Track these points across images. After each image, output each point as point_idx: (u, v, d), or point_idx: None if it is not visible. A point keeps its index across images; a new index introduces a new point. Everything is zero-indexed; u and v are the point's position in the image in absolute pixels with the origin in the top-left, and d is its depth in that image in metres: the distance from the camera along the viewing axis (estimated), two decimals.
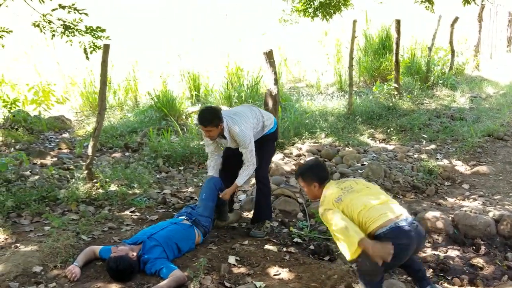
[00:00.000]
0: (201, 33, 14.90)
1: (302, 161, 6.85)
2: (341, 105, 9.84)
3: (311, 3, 9.23)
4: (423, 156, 7.22)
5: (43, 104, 8.68)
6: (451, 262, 4.14)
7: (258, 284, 3.47)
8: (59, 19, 5.73)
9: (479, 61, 15.85)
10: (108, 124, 8.51)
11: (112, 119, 9.21)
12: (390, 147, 7.71)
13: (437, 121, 9.33)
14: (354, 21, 9.16)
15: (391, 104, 9.91)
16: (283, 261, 3.98)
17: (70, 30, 5.71)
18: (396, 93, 10.45)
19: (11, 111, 8.01)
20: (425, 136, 8.39)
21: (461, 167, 7.08)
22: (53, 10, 5.52)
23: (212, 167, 4.60)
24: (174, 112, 8.94)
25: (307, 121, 8.50)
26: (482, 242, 4.51)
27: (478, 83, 13.31)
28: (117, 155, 7.03)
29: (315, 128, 8.18)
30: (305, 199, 5.43)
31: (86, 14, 5.56)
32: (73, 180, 5.46)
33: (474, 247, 4.50)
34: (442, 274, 3.89)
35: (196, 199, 5.32)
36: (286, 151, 7.26)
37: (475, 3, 8.26)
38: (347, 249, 2.97)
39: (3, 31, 5.82)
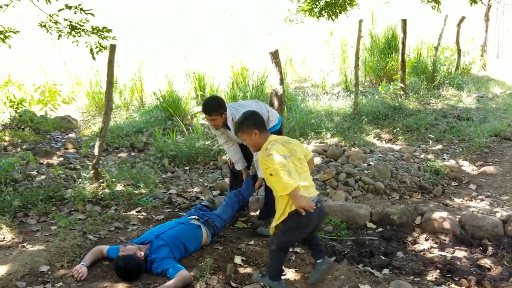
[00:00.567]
0: (207, 33, 14.91)
1: None
2: (346, 105, 9.82)
3: (317, 3, 9.22)
4: (430, 156, 7.19)
5: (49, 104, 8.73)
6: (458, 263, 4.12)
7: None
8: (65, 20, 5.75)
9: (486, 60, 15.77)
10: (114, 124, 8.53)
11: (118, 119, 9.24)
12: (396, 147, 7.68)
13: (444, 121, 9.28)
14: (360, 21, 9.13)
15: (397, 104, 9.87)
16: (289, 261, 3.97)
17: (76, 31, 5.73)
18: (402, 93, 10.41)
19: (18, 111, 8.06)
20: (432, 136, 8.35)
21: (468, 167, 7.04)
22: (59, 10, 5.54)
23: (237, 161, 4.69)
24: (180, 112, 8.95)
25: (312, 121, 8.49)
26: (489, 243, 4.48)
27: (484, 83, 13.24)
28: (123, 155, 7.05)
29: (320, 128, 8.16)
30: None
31: (93, 15, 5.58)
32: (80, 180, 5.47)
33: (481, 248, 4.47)
34: (449, 275, 3.87)
35: (202, 199, 5.32)
36: None
37: (482, 2, 8.21)
38: (280, 189, 3.16)
39: (10, 31, 5.85)
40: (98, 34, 5.76)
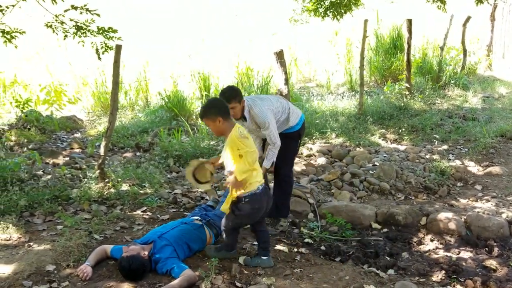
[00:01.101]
0: (212, 33, 14.93)
1: (312, 162, 6.84)
2: (351, 105, 9.80)
3: (322, 2, 9.21)
4: (435, 156, 7.17)
5: (55, 104, 8.76)
6: (464, 263, 4.11)
7: (268, 283, 3.47)
8: (71, 20, 5.78)
9: (492, 60, 15.69)
10: (119, 124, 8.56)
11: (123, 119, 9.26)
12: (401, 148, 7.66)
13: (449, 121, 9.25)
14: (365, 21, 9.11)
15: (402, 104, 9.84)
16: (294, 261, 3.97)
17: (82, 31, 5.76)
18: (407, 93, 10.38)
19: (24, 111, 8.10)
20: (437, 136, 8.32)
21: (473, 167, 7.02)
22: (65, 11, 5.56)
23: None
24: (185, 112, 8.97)
25: (317, 121, 8.48)
26: (495, 244, 4.46)
27: (490, 83, 13.18)
28: (128, 155, 7.07)
29: (325, 128, 8.16)
30: (315, 200, 5.42)
31: (98, 15, 5.60)
32: (85, 179, 5.50)
33: (487, 249, 4.45)
34: (454, 276, 3.86)
35: (206, 199, 5.33)
36: None
37: (487, 2, 8.18)
38: (240, 172, 3.53)
39: (16, 31, 5.88)
40: (104, 34, 5.79)
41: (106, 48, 5.92)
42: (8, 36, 5.83)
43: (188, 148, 6.92)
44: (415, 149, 7.51)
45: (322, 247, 4.40)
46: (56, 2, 5.57)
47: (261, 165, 4.58)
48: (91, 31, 5.79)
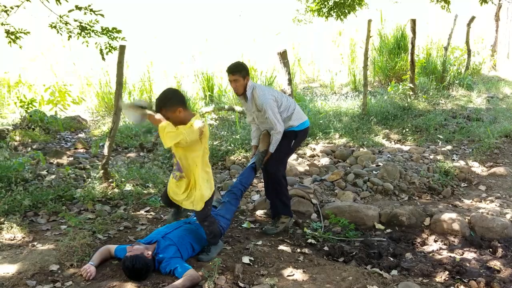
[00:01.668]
0: (215, 33, 14.94)
1: (316, 162, 6.84)
2: (355, 105, 9.79)
3: (326, 2, 9.21)
4: (439, 157, 7.15)
5: (59, 104, 8.79)
6: (468, 264, 4.09)
7: (271, 283, 3.47)
8: (75, 20, 5.81)
9: (496, 61, 15.63)
10: (123, 124, 8.58)
11: (127, 120, 9.28)
12: (405, 148, 7.65)
13: (453, 121, 9.22)
14: (369, 21, 9.10)
15: (406, 104, 9.82)
16: (297, 262, 3.97)
17: (86, 31, 5.79)
18: (411, 93, 10.36)
19: (28, 111, 8.13)
20: (441, 136, 8.30)
21: (477, 168, 7.00)
22: (69, 11, 5.60)
23: (254, 138, 4.83)
24: None
25: (321, 121, 8.47)
26: (499, 245, 4.45)
27: (495, 83, 13.13)
28: (132, 155, 7.09)
29: (329, 129, 8.15)
30: (319, 200, 5.41)
31: (102, 15, 5.63)
32: (89, 179, 5.51)
33: (491, 250, 4.44)
34: (458, 277, 3.84)
35: None
36: (300, 151, 7.24)
37: (492, 2, 8.16)
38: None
39: (21, 32, 5.92)
40: (108, 35, 5.82)
41: (110, 48, 5.95)
42: (13, 37, 5.87)
43: None
44: (419, 149, 7.49)
45: (325, 248, 4.40)
46: (60, 3, 5.60)
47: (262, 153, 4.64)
48: (95, 31, 5.82)
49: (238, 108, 9.04)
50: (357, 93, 11.19)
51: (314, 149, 7.32)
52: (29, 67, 11.78)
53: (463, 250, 4.44)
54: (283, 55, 7.61)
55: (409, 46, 10.55)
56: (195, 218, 4.25)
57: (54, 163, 6.48)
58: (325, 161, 6.80)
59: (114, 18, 6.92)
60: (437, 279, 3.82)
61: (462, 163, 7.08)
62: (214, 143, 7.20)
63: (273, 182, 4.61)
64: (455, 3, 9.26)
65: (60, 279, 3.46)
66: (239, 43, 13.46)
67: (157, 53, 12.85)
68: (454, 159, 7.26)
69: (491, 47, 15.85)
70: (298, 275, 3.69)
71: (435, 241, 4.66)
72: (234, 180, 5.77)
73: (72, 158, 6.70)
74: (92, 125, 9.18)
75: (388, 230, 4.90)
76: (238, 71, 4.31)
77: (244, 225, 4.76)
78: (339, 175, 6.08)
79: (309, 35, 14.74)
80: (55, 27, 5.85)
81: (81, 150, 7.24)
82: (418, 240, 4.70)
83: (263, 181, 4.95)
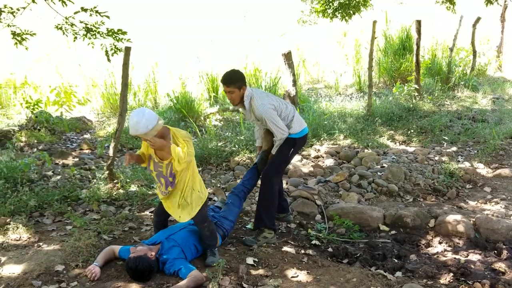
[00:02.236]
0: (220, 35, 14.97)
1: (320, 163, 6.83)
2: (360, 106, 9.78)
3: (330, 4, 9.22)
4: (444, 158, 7.13)
5: (65, 105, 8.84)
6: (472, 266, 4.08)
7: (275, 284, 3.47)
8: (81, 22, 5.84)
9: (502, 62, 15.56)
10: (128, 125, 8.60)
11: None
12: (410, 149, 7.63)
13: (459, 123, 9.19)
14: (374, 22, 9.09)
15: (411, 106, 9.80)
16: (301, 263, 3.97)
17: (92, 33, 5.82)
18: (416, 94, 10.33)
19: (34, 112, 8.18)
20: (446, 138, 8.27)
21: (482, 169, 6.97)
22: (75, 13, 5.63)
23: (258, 138, 4.76)
24: (193, 113, 9.00)
25: (325, 122, 8.47)
26: (504, 247, 4.43)
27: (500, 84, 13.06)
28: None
29: (333, 130, 8.14)
30: (323, 201, 5.41)
31: (108, 17, 5.65)
32: (95, 180, 5.54)
33: (495, 252, 4.42)
34: (463, 279, 3.83)
35: (214, 200, 5.35)
36: (304, 152, 7.24)
37: (497, 3, 8.14)
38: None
39: (27, 33, 5.95)
40: (113, 36, 5.84)
41: (116, 50, 5.97)
42: (19, 38, 5.90)
43: (196, 149, 6.93)
44: (424, 150, 7.47)
45: (330, 249, 4.40)
46: (66, 4, 5.64)
47: (264, 152, 4.61)
48: (100, 33, 5.84)
49: (242, 109, 9.04)
50: (362, 94, 11.17)
51: (319, 150, 7.32)
52: (35, 68, 11.85)
53: (468, 252, 4.43)
54: (288, 56, 7.63)
55: (414, 47, 10.53)
56: None
57: (60, 163, 6.51)
58: (329, 162, 6.80)
59: (119, 20, 6.95)
60: (442, 281, 3.81)
61: (467, 164, 7.06)
62: (219, 144, 7.21)
63: (264, 188, 4.42)
64: (461, 4, 9.24)
65: (65, 279, 3.48)
66: (243, 44, 13.47)
67: (162, 54, 12.89)
68: (459, 161, 7.23)
69: (497, 48, 15.78)
70: (302, 276, 3.69)
71: (440, 242, 4.65)
72: (239, 181, 5.78)
73: (77, 159, 6.73)
74: (97, 126, 9.22)
75: (393, 232, 4.89)
76: (233, 82, 4.15)
77: (248, 226, 4.76)
78: (344, 176, 6.08)
79: (314, 36, 14.73)
80: (61, 28, 5.89)
81: (87, 151, 7.27)
82: (423, 241, 4.69)
83: None
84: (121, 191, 5.31)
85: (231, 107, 9.48)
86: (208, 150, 6.92)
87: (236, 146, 7.14)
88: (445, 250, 4.50)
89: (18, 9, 5.74)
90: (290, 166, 6.32)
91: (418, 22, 10.27)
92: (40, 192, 5.04)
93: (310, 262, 4.01)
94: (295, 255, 4.13)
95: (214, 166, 6.79)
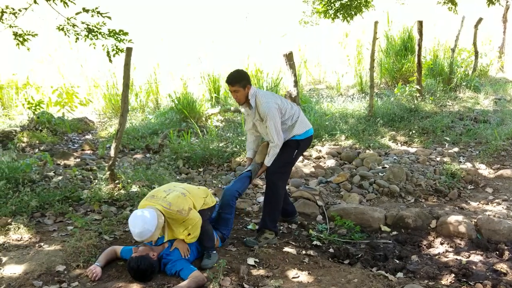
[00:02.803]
0: (222, 35, 14.98)
1: (321, 164, 6.83)
2: (361, 107, 9.77)
3: (332, 4, 9.22)
4: (446, 159, 7.12)
5: (67, 106, 8.86)
6: (474, 267, 4.07)
7: (276, 285, 3.47)
8: (83, 23, 5.85)
9: (504, 62, 15.52)
10: (130, 126, 8.62)
11: (134, 121, 9.32)
12: (412, 150, 7.62)
13: (460, 123, 9.18)
14: (376, 22, 9.09)
15: (413, 106, 9.79)
16: (302, 263, 3.97)
17: (93, 34, 5.83)
18: (418, 95, 10.32)
19: (36, 112, 8.19)
20: (448, 138, 8.26)
21: (484, 170, 6.96)
22: (77, 13, 5.64)
23: (250, 149, 4.69)
24: (194, 114, 9.01)
25: (327, 123, 8.47)
26: (506, 247, 4.42)
27: (502, 85, 13.03)
28: (138, 156, 7.12)
29: (335, 130, 8.14)
30: (324, 202, 5.41)
31: (109, 18, 5.66)
32: (96, 180, 5.54)
33: (497, 252, 4.41)
34: (464, 279, 3.82)
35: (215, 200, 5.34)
36: (305, 153, 7.23)
37: (499, 3, 8.12)
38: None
39: (29, 34, 5.97)
40: (115, 37, 5.85)
41: (117, 50, 5.98)
42: (21, 39, 5.92)
43: (197, 150, 6.95)
44: (426, 151, 7.46)
45: (331, 250, 4.39)
46: (67, 5, 5.64)
47: (258, 165, 4.54)
48: (102, 33, 5.85)
49: (244, 109, 9.04)
50: (363, 94, 11.16)
51: (320, 151, 7.31)
52: (37, 69, 11.87)
53: (469, 252, 4.42)
54: (289, 57, 7.62)
55: (416, 47, 10.52)
56: None
57: (61, 164, 6.52)
58: (331, 163, 6.79)
59: (121, 21, 6.96)
60: (443, 281, 3.80)
61: (469, 165, 7.05)
62: (220, 145, 7.21)
63: (269, 192, 4.43)
64: (462, 4, 9.23)
65: (66, 279, 3.48)
66: (245, 45, 13.48)
67: (164, 55, 12.91)
68: (461, 161, 7.22)
69: (499, 49, 15.74)
70: (303, 277, 3.69)
71: (441, 243, 4.64)
72: None
73: (79, 160, 6.74)
74: (99, 127, 9.23)
75: (394, 233, 4.88)
76: (237, 81, 4.18)
77: (249, 227, 4.76)
78: (345, 177, 6.07)
79: (315, 37, 14.73)
80: (62, 29, 5.90)
81: (88, 152, 7.28)
82: (424, 242, 4.68)
83: None
84: (122, 191, 5.31)
85: (232, 108, 9.49)
86: (209, 151, 6.92)
87: (238, 147, 7.14)
88: (447, 251, 4.49)
89: (20, 10, 5.75)
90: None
91: (420, 23, 10.27)
92: (41, 193, 5.04)
93: (311, 262, 4.01)
94: (296, 255, 4.13)
95: (215, 166, 6.79)
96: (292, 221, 4.93)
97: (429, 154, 7.36)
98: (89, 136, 8.46)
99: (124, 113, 5.38)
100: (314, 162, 6.95)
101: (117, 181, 5.46)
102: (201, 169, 6.66)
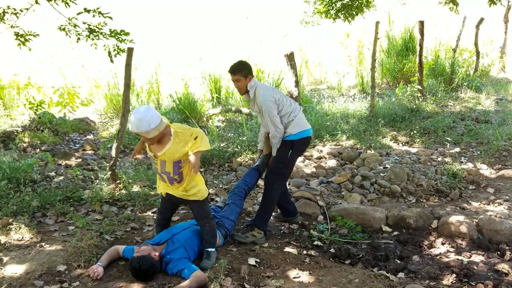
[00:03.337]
0: (223, 36, 15.00)
1: (323, 164, 6.83)
2: (363, 107, 9.76)
3: (333, 4, 9.22)
4: (447, 159, 7.11)
5: (68, 106, 8.86)
6: (475, 267, 4.06)
7: (277, 285, 3.47)
8: (84, 23, 5.86)
9: (505, 62, 15.49)
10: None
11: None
12: (413, 150, 7.61)
13: (462, 123, 9.17)
14: (377, 23, 9.09)
15: (414, 106, 9.78)
16: (303, 264, 3.97)
17: (94, 34, 5.84)
18: (419, 95, 10.31)
19: (37, 112, 8.20)
20: (449, 139, 8.25)
21: (486, 170, 6.95)
22: (78, 14, 5.65)
23: (260, 141, 4.74)
24: (196, 114, 9.01)
25: (328, 123, 8.46)
26: (507, 248, 4.41)
27: (504, 85, 13.01)
28: (139, 156, 7.11)
29: (336, 131, 8.13)
30: (325, 202, 5.41)
31: (111, 18, 5.67)
32: (97, 180, 5.55)
33: (499, 253, 4.41)
34: (465, 280, 3.82)
35: (216, 200, 5.35)
36: (306, 153, 7.23)
37: (501, 3, 8.12)
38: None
39: (30, 34, 5.97)
40: (116, 37, 5.86)
41: (118, 50, 5.99)
42: (22, 39, 5.92)
43: None
44: (427, 151, 7.46)
45: (332, 250, 4.39)
46: (69, 5, 5.65)
47: (265, 156, 4.60)
48: (103, 34, 5.86)
49: (245, 110, 9.05)
50: (364, 95, 11.16)
51: (321, 151, 7.31)
52: (38, 69, 11.89)
53: (471, 253, 4.41)
54: (290, 57, 7.62)
55: (417, 48, 10.51)
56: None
57: (63, 164, 6.53)
58: (332, 163, 6.79)
59: (122, 21, 6.97)
60: (444, 282, 3.80)
61: (470, 165, 7.04)
62: (221, 145, 7.22)
63: (264, 193, 4.48)
64: (464, 4, 9.22)
65: (67, 279, 3.48)
66: (246, 45, 13.48)
67: (165, 55, 12.92)
68: (462, 162, 7.21)
69: (500, 49, 15.72)
70: (304, 277, 3.69)
71: (443, 243, 4.64)
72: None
73: (80, 160, 6.74)
74: (100, 127, 9.24)
75: (395, 233, 4.88)
76: (239, 70, 4.30)
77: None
78: (346, 177, 6.07)
79: (316, 37, 14.73)
80: (64, 29, 5.91)
81: (89, 152, 7.29)
82: (426, 242, 4.68)
83: None
84: (123, 191, 5.31)
85: (233, 108, 9.49)
86: (210, 151, 6.91)
87: (239, 147, 7.14)
88: (448, 251, 4.49)
89: (21, 10, 5.76)
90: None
91: (421, 23, 10.26)
92: (42, 193, 5.05)
93: (312, 262, 4.01)
94: (297, 255, 4.13)
95: (216, 166, 6.79)
96: (293, 221, 4.94)
97: (431, 154, 7.35)
98: (90, 136, 8.47)
99: (125, 113, 5.39)
100: (315, 162, 6.95)
101: (118, 181, 5.46)
102: (202, 169, 6.66)
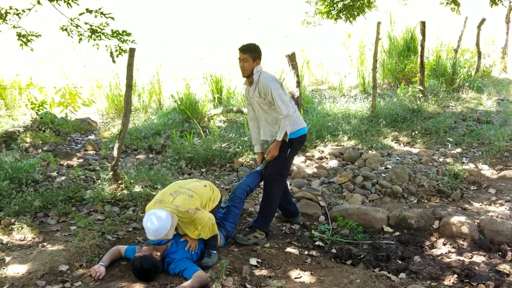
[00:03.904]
0: (224, 36, 15.00)
1: (324, 164, 6.83)
2: (364, 107, 9.76)
3: (335, 5, 9.21)
4: (449, 160, 7.11)
5: (70, 106, 8.89)
6: (477, 268, 4.06)
7: (279, 285, 3.47)
8: (86, 23, 5.87)
9: (507, 63, 15.48)
10: (132, 126, 8.64)
11: (137, 122, 9.34)
12: (414, 151, 7.61)
13: (463, 124, 9.16)
14: (378, 23, 9.08)
15: (415, 107, 9.77)
16: (305, 264, 3.97)
17: (96, 34, 5.85)
18: (421, 95, 10.31)
19: (39, 113, 8.22)
20: (451, 139, 8.25)
21: (487, 171, 6.94)
22: (80, 14, 5.66)
23: (256, 143, 4.76)
24: (197, 114, 9.02)
25: (329, 123, 8.46)
26: (508, 248, 4.41)
27: (505, 85, 13.00)
28: (141, 156, 7.14)
29: (337, 131, 8.13)
30: (327, 202, 5.41)
31: (112, 18, 5.68)
32: (99, 181, 5.56)
33: (500, 253, 4.40)
34: (467, 280, 3.82)
35: None
36: (308, 154, 7.24)
37: (502, 4, 8.11)
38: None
39: (32, 35, 5.98)
40: (118, 37, 5.87)
41: (120, 51, 6.00)
42: (24, 39, 5.94)
43: (200, 150, 6.96)
44: (428, 152, 7.45)
45: (333, 250, 4.39)
46: (71, 6, 5.66)
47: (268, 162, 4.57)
48: (105, 34, 5.87)
49: (246, 110, 9.05)
50: (366, 95, 11.15)
51: (323, 151, 7.31)
52: (40, 69, 11.91)
53: (472, 253, 4.41)
54: (292, 58, 7.63)
55: (419, 48, 10.51)
56: None
57: (64, 164, 6.54)
58: (333, 163, 6.79)
59: (124, 21, 6.98)
60: (446, 282, 3.80)
61: (471, 166, 7.03)
62: (223, 145, 7.22)
63: (265, 194, 4.48)
64: (465, 5, 9.21)
65: (69, 279, 3.49)
66: None
67: (167, 55, 12.93)
68: (463, 162, 7.21)
69: (502, 49, 15.72)
70: (306, 277, 3.69)
71: (444, 244, 4.64)
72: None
73: (82, 160, 6.76)
74: (102, 127, 9.26)
75: (397, 233, 4.88)
76: (250, 51, 4.28)
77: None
78: (348, 178, 6.07)
79: (318, 37, 14.73)
80: (66, 30, 5.92)
81: (91, 152, 7.30)
82: (427, 243, 4.68)
83: None
84: (125, 191, 5.32)
85: (235, 109, 9.50)
86: (212, 151, 6.93)
87: (240, 147, 7.15)
88: (449, 252, 4.49)
89: (23, 11, 5.77)
90: (294, 167, 6.32)
91: (423, 23, 10.25)
92: (44, 193, 5.05)
93: (313, 263, 4.01)
94: (299, 256, 4.13)
95: (217, 167, 6.80)
96: (295, 222, 4.94)
97: (432, 155, 7.35)
98: (92, 137, 8.49)
99: (127, 114, 5.39)
100: (316, 162, 6.95)
101: (120, 181, 5.47)
102: (203, 170, 6.67)
